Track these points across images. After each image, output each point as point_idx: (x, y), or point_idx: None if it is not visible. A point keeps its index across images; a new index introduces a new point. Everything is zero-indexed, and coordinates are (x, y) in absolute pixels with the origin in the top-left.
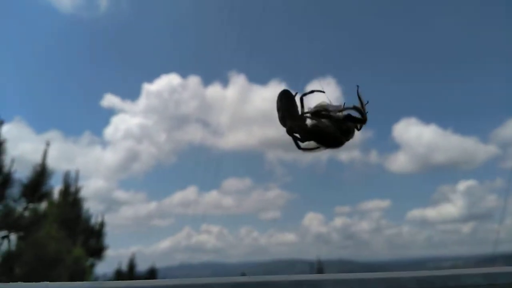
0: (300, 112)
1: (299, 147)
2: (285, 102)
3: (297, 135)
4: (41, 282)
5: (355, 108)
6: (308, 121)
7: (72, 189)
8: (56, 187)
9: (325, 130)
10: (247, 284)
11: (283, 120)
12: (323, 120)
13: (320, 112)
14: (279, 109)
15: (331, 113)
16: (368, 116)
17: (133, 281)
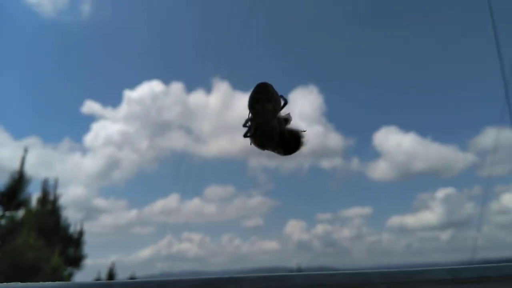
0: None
1: (246, 135)
2: (278, 97)
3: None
4: (11, 283)
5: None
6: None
7: (51, 197)
8: (34, 195)
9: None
10: (218, 280)
11: (269, 111)
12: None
13: (286, 120)
14: (270, 99)
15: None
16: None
17: (104, 281)
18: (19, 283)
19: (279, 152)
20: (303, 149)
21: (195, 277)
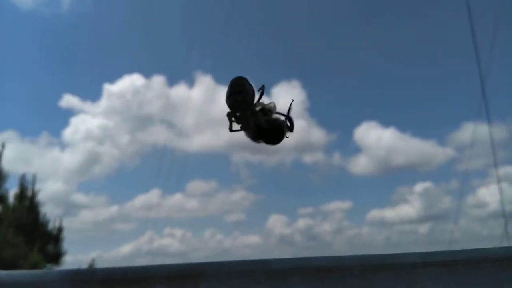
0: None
1: (231, 129)
2: (251, 89)
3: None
4: None
5: (287, 117)
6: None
7: (29, 192)
8: (11, 190)
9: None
10: (201, 265)
11: (241, 103)
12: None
13: (266, 109)
14: (241, 91)
15: (273, 114)
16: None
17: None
18: (3, 271)
19: (258, 141)
20: (286, 141)
21: (177, 262)
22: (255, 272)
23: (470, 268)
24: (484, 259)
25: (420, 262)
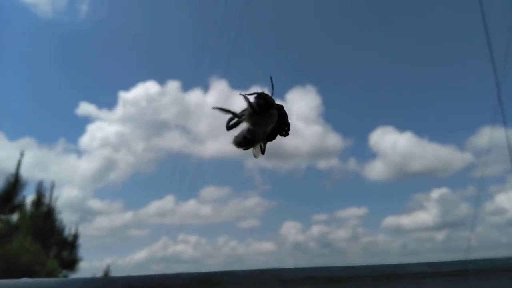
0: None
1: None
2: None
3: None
4: (20, 279)
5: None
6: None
7: (46, 199)
8: (29, 197)
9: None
10: (216, 274)
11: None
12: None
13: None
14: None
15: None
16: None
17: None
18: (28, 278)
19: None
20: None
21: (194, 271)
22: (268, 281)
23: (481, 278)
24: (495, 269)
25: (431, 272)
